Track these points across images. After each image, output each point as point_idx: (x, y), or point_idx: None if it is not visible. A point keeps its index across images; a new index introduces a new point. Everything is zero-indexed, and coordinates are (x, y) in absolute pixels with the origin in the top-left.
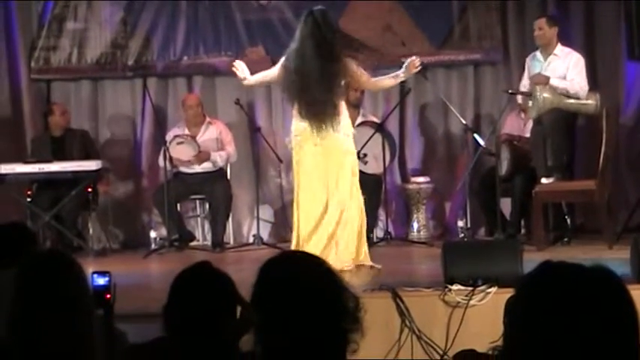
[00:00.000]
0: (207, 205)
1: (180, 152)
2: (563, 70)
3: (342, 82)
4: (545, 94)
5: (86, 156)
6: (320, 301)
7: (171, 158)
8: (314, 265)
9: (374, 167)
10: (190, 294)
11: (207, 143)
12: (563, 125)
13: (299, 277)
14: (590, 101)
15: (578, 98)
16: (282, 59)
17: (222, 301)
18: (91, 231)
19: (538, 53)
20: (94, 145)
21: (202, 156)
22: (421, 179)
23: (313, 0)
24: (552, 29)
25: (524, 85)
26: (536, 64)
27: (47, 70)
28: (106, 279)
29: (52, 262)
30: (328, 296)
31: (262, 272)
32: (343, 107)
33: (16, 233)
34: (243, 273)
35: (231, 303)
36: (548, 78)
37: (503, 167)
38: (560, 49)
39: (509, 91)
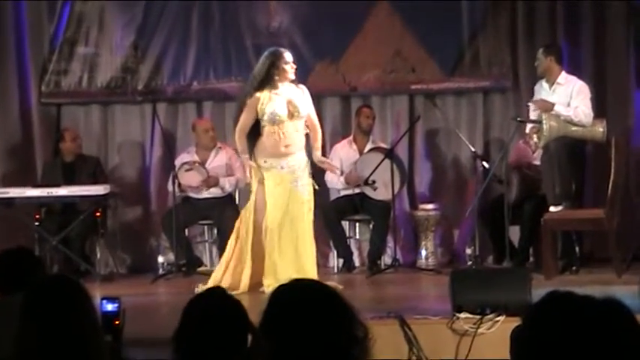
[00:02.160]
0: (215, 231)
1: (189, 179)
2: (566, 98)
3: None
4: (552, 122)
5: (94, 183)
6: (330, 329)
7: (179, 183)
8: (324, 293)
9: (383, 194)
10: (202, 320)
11: (217, 169)
12: (571, 153)
13: (309, 305)
14: (596, 128)
15: (583, 125)
16: None
17: (233, 328)
18: (98, 255)
19: (544, 82)
20: (104, 173)
21: (211, 181)
22: (430, 206)
23: (322, 25)
24: (548, 59)
25: (533, 113)
26: (542, 92)
27: (57, 94)
28: (116, 305)
29: (59, 288)
30: (338, 324)
31: (273, 299)
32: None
33: (22, 259)
34: (250, 299)
35: (243, 330)
36: (551, 104)
37: (512, 194)
38: (563, 77)
39: (518, 118)
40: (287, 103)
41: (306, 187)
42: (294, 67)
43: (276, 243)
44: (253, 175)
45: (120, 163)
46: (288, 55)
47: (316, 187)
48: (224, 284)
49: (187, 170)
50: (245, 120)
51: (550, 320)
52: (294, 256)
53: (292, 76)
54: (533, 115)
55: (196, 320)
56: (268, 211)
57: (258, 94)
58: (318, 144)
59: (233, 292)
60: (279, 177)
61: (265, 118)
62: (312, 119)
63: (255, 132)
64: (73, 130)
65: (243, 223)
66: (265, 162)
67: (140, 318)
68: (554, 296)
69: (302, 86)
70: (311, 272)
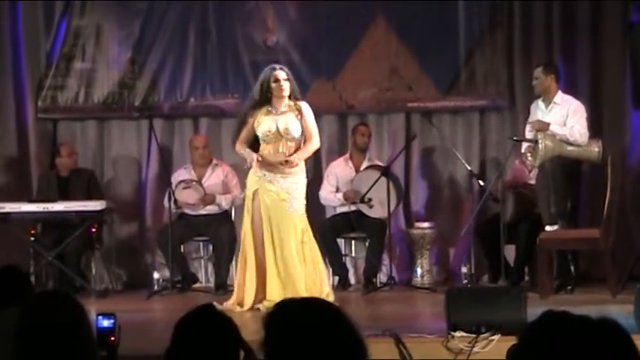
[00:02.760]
0: (210, 247)
1: (186, 197)
2: (562, 117)
3: None
4: (548, 142)
5: (88, 198)
6: (328, 347)
7: (176, 200)
8: (324, 311)
9: (379, 211)
10: (193, 337)
11: (213, 186)
12: (566, 172)
13: (308, 322)
14: (592, 148)
15: (578, 145)
16: None
17: (225, 345)
18: (94, 271)
19: (540, 101)
20: (99, 186)
21: (208, 199)
22: (425, 224)
23: (319, 43)
24: (548, 77)
25: (529, 132)
26: (538, 112)
27: (54, 110)
28: (111, 321)
29: (55, 303)
30: (337, 342)
31: (272, 316)
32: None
33: (10, 276)
34: (245, 315)
35: (234, 347)
36: (547, 124)
37: (508, 213)
38: (560, 97)
39: (515, 137)
40: (278, 123)
41: (299, 210)
42: (285, 84)
43: (268, 260)
44: (248, 185)
45: (116, 179)
46: (279, 73)
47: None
48: (236, 300)
49: (185, 188)
50: (245, 135)
51: (545, 340)
52: (285, 274)
53: (285, 93)
54: (529, 135)
55: (187, 337)
56: (264, 229)
57: (255, 112)
58: (305, 150)
59: (240, 309)
60: (273, 195)
61: (259, 135)
62: (310, 131)
63: (256, 147)
64: (69, 145)
65: (244, 237)
66: (265, 175)
67: (135, 334)
68: (550, 315)
69: (302, 104)
70: (303, 292)
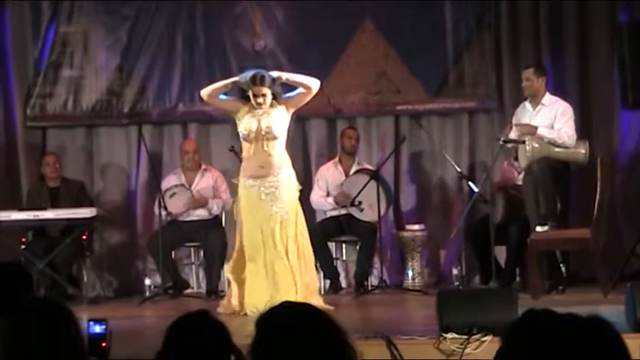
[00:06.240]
0: (201, 253)
1: (175, 204)
2: (550, 120)
3: None
4: (535, 144)
5: (78, 207)
6: (317, 354)
7: (165, 206)
8: (314, 316)
9: (369, 215)
10: (185, 341)
11: (203, 191)
12: (554, 173)
13: (299, 328)
14: (579, 150)
15: (566, 147)
16: None
17: (216, 350)
18: (85, 278)
19: (527, 103)
20: (88, 198)
21: (200, 201)
22: (416, 227)
23: (307, 47)
24: (540, 79)
25: (513, 134)
26: (526, 114)
27: (43, 118)
28: (103, 327)
29: (46, 310)
30: (327, 348)
31: (262, 322)
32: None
33: (13, 275)
34: (237, 321)
35: (226, 352)
36: (535, 128)
37: (498, 215)
38: (548, 99)
39: (502, 139)
40: (260, 123)
41: (285, 208)
42: (262, 99)
43: (253, 264)
44: (238, 192)
45: (106, 186)
46: (259, 90)
47: (299, 188)
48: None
49: (171, 196)
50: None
51: (531, 338)
52: (269, 278)
53: (264, 107)
54: (515, 135)
55: (179, 341)
56: (245, 231)
57: (242, 104)
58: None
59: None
60: (256, 196)
61: (239, 132)
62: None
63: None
64: (55, 155)
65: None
66: (247, 182)
67: (127, 340)
68: (533, 314)
69: (285, 98)
70: (287, 295)
